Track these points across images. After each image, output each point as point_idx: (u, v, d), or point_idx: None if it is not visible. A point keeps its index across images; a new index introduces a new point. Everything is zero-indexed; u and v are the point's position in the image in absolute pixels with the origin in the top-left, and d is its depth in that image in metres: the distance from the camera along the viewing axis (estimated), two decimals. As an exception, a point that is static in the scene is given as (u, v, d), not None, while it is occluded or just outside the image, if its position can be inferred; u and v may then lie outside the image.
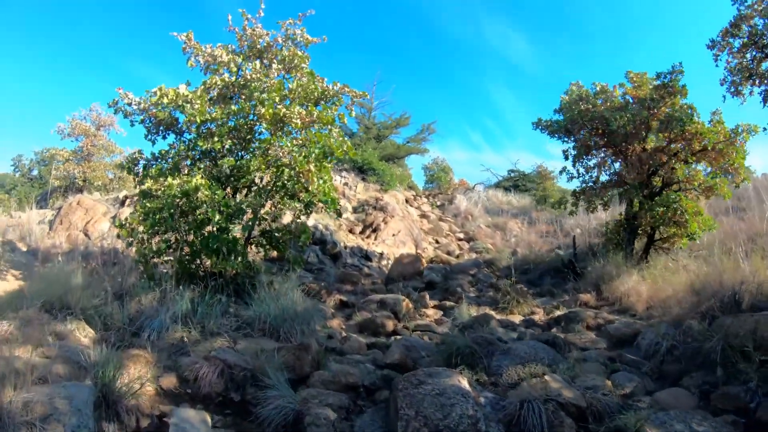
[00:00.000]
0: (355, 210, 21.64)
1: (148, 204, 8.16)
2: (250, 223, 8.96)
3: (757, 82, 10.65)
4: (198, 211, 8.28)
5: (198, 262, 8.56)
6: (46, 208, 19.39)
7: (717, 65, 11.05)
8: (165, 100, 8.67)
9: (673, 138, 12.10)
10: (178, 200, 8.12)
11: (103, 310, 6.91)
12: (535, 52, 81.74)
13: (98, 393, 4.52)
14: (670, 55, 77.78)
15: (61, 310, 6.66)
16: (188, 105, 8.62)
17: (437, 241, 21.56)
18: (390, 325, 9.37)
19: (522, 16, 77.73)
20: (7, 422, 3.77)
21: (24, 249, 13.95)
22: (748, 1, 10.25)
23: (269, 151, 8.67)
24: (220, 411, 5.37)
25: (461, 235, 23.08)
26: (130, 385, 4.88)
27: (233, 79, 9.29)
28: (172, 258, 8.55)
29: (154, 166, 8.98)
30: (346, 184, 23.79)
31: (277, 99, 8.63)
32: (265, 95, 8.57)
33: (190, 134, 9.30)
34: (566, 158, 14.09)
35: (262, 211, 9.21)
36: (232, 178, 9.19)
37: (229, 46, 9.82)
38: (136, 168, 9.32)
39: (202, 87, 9.16)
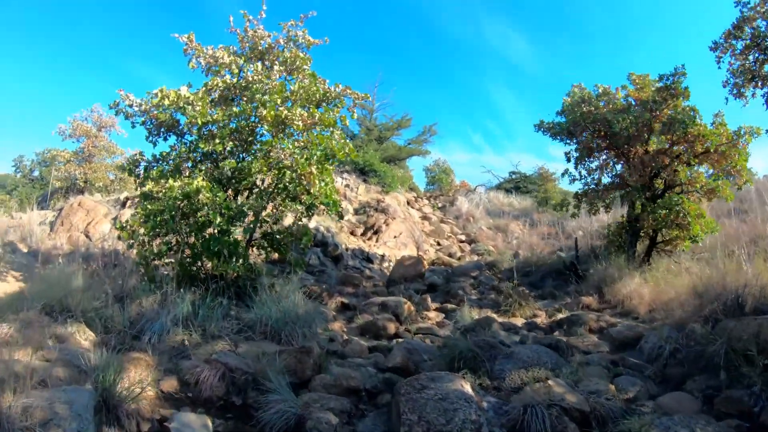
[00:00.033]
0: (356, 212, 21.63)
1: (149, 206, 8.14)
2: (252, 225, 8.93)
3: (759, 84, 10.62)
4: (199, 214, 8.25)
5: (199, 264, 8.53)
6: (47, 209, 19.36)
7: (719, 67, 11.03)
8: (166, 102, 8.65)
9: (675, 140, 12.07)
10: (179, 202, 8.10)
11: (104, 312, 6.88)
12: (536, 52, 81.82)
13: (99, 397, 4.49)
14: (671, 56, 77.82)
15: (61, 313, 6.63)
16: (189, 107, 8.60)
17: (439, 243, 21.54)
18: (392, 327, 9.34)
19: (522, 16, 77.84)
20: (7, 428, 3.74)
21: (25, 250, 13.92)
22: (750, 3, 10.23)
23: (271, 153, 8.65)
24: (222, 415, 5.33)
25: (463, 237, 23.05)
26: (130, 389, 4.84)
27: (235, 80, 9.28)
28: (173, 260, 8.52)
29: (155, 168, 8.97)
30: (347, 185, 23.78)
31: (278, 101, 8.61)
32: (266, 97, 8.55)
33: (191, 136, 9.29)
34: (568, 160, 14.06)
35: (264, 214, 9.18)
36: (233, 180, 9.16)
37: (231, 47, 9.81)
38: (137, 170, 9.31)
39: (204, 89, 9.14)
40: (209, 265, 8.43)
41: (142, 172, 9.26)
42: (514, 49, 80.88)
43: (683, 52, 72.77)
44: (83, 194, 20.13)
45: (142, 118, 9.15)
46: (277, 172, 8.82)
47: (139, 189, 9.17)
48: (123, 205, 17.82)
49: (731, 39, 10.68)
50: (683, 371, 6.26)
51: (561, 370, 6.11)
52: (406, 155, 33.00)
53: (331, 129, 9.16)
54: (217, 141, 8.59)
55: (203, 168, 8.89)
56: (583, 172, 14.06)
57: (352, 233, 19.30)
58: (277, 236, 9.57)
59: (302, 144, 9.00)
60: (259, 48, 9.83)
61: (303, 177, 8.74)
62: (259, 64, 9.43)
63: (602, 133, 13.15)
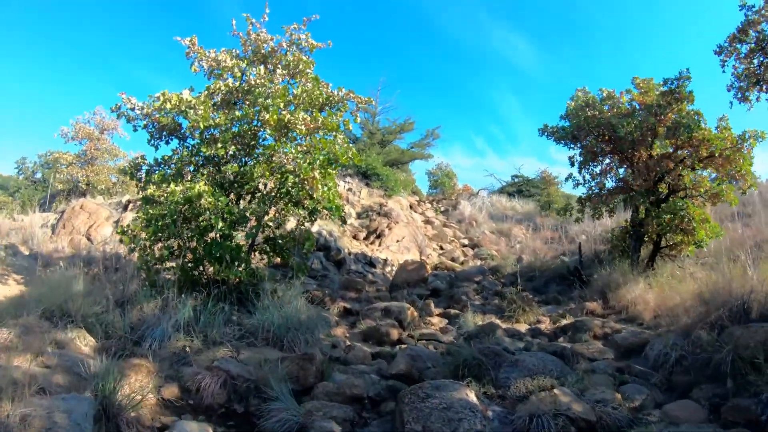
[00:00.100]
0: (359, 216, 21.58)
1: (150, 210, 8.10)
2: (254, 230, 8.87)
3: (764, 87, 10.60)
4: (201, 218, 8.21)
5: (201, 269, 8.49)
6: (49, 211, 19.35)
7: (724, 71, 11.02)
8: (168, 106, 8.61)
9: (680, 144, 12.00)
10: (180, 207, 8.05)
11: (105, 317, 6.82)
12: (540, 56, 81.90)
13: (98, 406, 4.43)
14: (675, 61, 77.73)
15: (61, 318, 6.57)
16: (191, 110, 8.56)
17: (441, 248, 21.47)
18: (395, 333, 9.27)
19: (526, 20, 77.95)
20: (5, 437, 3.69)
21: (26, 253, 13.89)
22: (755, 7, 10.20)
23: (273, 158, 8.61)
24: (223, 423, 5.28)
25: (465, 242, 22.99)
26: (131, 396, 4.79)
27: (237, 84, 9.24)
28: (174, 265, 8.47)
29: (156, 172, 8.94)
30: (350, 189, 23.74)
31: (281, 105, 8.57)
32: (269, 101, 8.51)
33: (193, 140, 9.26)
34: (572, 165, 14.01)
35: (266, 218, 9.12)
36: (235, 185, 9.13)
37: (234, 50, 9.79)
38: (138, 173, 9.28)
39: (206, 92, 9.10)
40: (211, 270, 8.39)
41: (143, 175, 9.23)
42: (518, 53, 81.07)
43: (687, 57, 72.97)
44: (85, 197, 20.13)
45: (144, 122, 9.12)
46: (279, 176, 8.77)
47: (140, 193, 9.11)
48: (125, 208, 17.79)
49: (736, 43, 10.66)
50: (689, 379, 6.19)
51: (566, 378, 6.05)
52: (408, 159, 32.95)
53: (334, 133, 9.11)
54: (220, 145, 8.54)
55: (205, 172, 8.84)
56: (587, 177, 14.01)
57: (355, 237, 19.25)
58: (280, 241, 9.52)
59: (305, 148, 8.96)
60: (262, 51, 9.79)
61: (306, 181, 8.69)
62: (262, 67, 9.39)
63: (606, 138, 13.09)
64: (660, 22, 74.45)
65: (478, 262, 19.08)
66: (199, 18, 76.30)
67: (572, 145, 13.83)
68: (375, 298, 12.78)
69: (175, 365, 6.07)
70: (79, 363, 5.19)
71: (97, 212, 16.73)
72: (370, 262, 17.11)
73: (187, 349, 6.41)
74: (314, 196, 8.94)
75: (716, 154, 11.56)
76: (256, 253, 9.69)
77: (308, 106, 9.21)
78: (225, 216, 8.07)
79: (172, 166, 9.01)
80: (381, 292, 13.66)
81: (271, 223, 9.47)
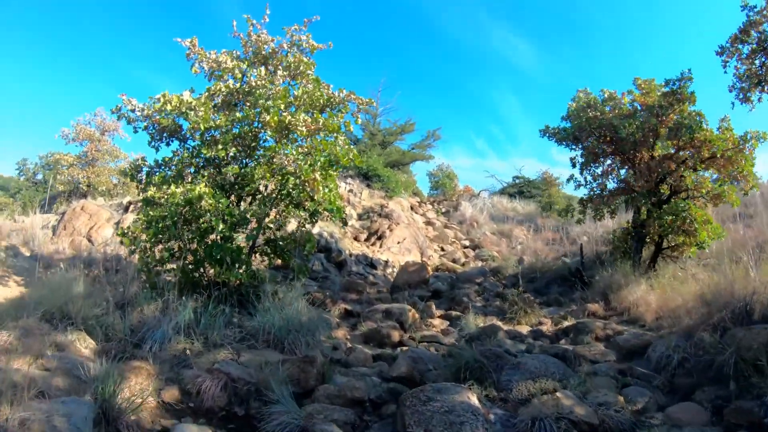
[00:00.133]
0: (360, 217, 21.55)
1: (151, 212, 8.08)
2: (255, 231, 8.86)
3: (766, 88, 10.57)
4: (201, 220, 8.19)
5: (201, 271, 8.47)
6: (50, 212, 19.34)
7: (725, 71, 10.99)
8: (168, 107, 8.60)
9: (681, 145, 11.97)
10: (181, 208, 8.04)
11: (105, 320, 6.80)
12: (540, 58, 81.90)
13: (98, 409, 4.41)
14: (675, 61, 77.73)
15: (61, 320, 6.55)
16: (192, 112, 8.54)
17: (442, 249, 21.45)
18: (396, 335, 9.25)
19: (527, 22, 77.95)
20: (4, 442, 3.67)
21: (27, 254, 13.90)
22: (757, 7, 10.17)
23: (274, 159, 8.59)
24: (224, 426, 5.25)
25: (467, 243, 22.96)
26: (131, 399, 4.77)
27: (238, 85, 9.23)
28: (175, 267, 8.45)
29: (157, 174, 8.93)
30: (350, 190, 23.73)
31: (282, 106, 8.56)
32: (270, 102, 8.49)
33: (194, 141, 9.25)
34: (573, 166, 13.99)
35: (267, 220, 9.11)
36: (236, 186, 9.10)
37: (234, 52, 9.77)
38: (139, 175, 9.27)
39: (206, 94, 9.09)
40: (212, 271, 8.36)
41: (144, 177, 9.21)
42: (519, 55, 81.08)
43: (688, 57, 72.89)
44: (86, 198, 20.12)
45: (145, 123, 9.11)
46: (280, 178, 8.75)
47: (141, 194, 9.09)
48: (126, 209, 17.79)
49: (737, 43, 10.63)
50: (692, 381, 6.17)
51: (569, 381, 6.01)
52: (409, 160, 32.92)
53: (335, 134, 9.09)
54: (220, 146, 8.53)
55: (206, 174, 8.83)
56: (589, 178, 13.99)
57: (356, 239, 19.23)
58: (281, 242, 9.50)
59: (306, 150, 8.94)
60: (263, 52, 9.77)
61: (306, 183, 8.67)
62: (263, 68, 9.38)
63: (608, 139, 13.07)
64: (660, 23, 74.49)
65: (479, 264, 19.05)
66: (199, 19, 76.40)
67: (574, 146, 13.81)
68: (376, 299, 12.75)
69: (175, 368, 6.04)
70: (79, 366, 5.17)
71: (97, 214, 16.72)
72: (371, 264, 17.09)
73: (188, 351, 6.38)
74: (315, 197, 8.91)
75: (718, 155, 11.53)
76: (257, 254, 9.67)
77: (309, 108, 9.19)
78: (226, 218, 8.05)
79: (173, 167, 8.99)
80: (382, 294, 13.63)
81: (271, 225, 9.46)
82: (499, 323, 10.21)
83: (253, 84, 9.01)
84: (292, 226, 10.11)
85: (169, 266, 8.55)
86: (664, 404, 5.85)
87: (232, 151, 8.82)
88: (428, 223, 24.58)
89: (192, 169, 9.09)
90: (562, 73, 77.38)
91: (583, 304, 11.37)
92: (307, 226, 9.52)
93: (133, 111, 8.89)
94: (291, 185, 8.79)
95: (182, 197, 7.93)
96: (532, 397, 5.43)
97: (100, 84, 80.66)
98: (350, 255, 16.83)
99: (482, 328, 9.47)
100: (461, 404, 4.79)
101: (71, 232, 15.84)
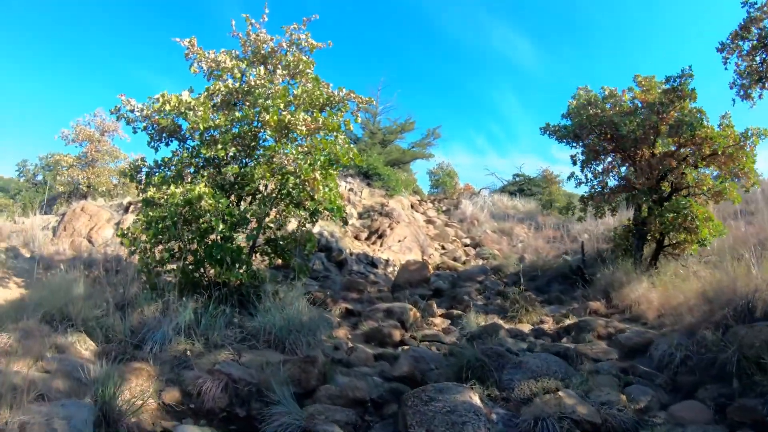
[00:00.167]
0: (360, 216, 21.53)
1: (150, 213, 8.06)
2: (255, 231, 8.83)
3: (766, 84, 10.55)
4: (201, 220, 8.16)
5: (201, 271, 8.44)
6: (51, 213, 19.33)
7: (726, 68, 10.98)
8: (167, 107, 8.57)
9: (682, 142, 11.94)
10: (181, 209, 8.01)
11: (105, 321, 6.78)
12: (540, 56, 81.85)
13: (98, 411, 4.39)
14: (675, 60, 77.69)
15: (62, 322, 6.53)
16: (191, 112, 8.51)
17: (443, 247, 21.41)
18: (397, 335, 9.23)
19: (526, 20, 77.87)
20: (3, 446, 3.65)
21: (27, 255, 13.88)
22: (757, 4, 10.15)
23: (274, 159, 8.56)
24: (225, 427, 5.23)
25: (467, 241, 22.92)
26: (131, 401, 4.75)
27: (237, 85, 9.19)
28: (175, 267, 8.43)
29: (156, 174, 8.90)
30: (351, 189, 23.70)
31: (281, 105, 8.53)
32: (269, 101, 8.46)
33: (193, 141, 9.22)
34: (574, 163, 13.95)
35: (267, 220, 9.08)
36: (236, 186, 9.07)
37: (233, 51, 9.74)
38: (138, 175, 9.24)
39: (206, 93, 9.06)
40: (212, 272, 8.34)
41: (143, 177, 9.18)
42: (518, 52, 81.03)
43: (688, 56, 72.88)
44: (86, 199, 20.11)
45: (144, 123, 9.08)
46: (280, 177, 8.71)
47: (140, 195, 9.07)
48: (126, 210, 17.77)
49: (738, 40, 10.62)
50: (695, 379, 6.16)
51: (571, 380, 5.99)
52: (409, 158, 32.93)
53: (335, 134, 9.05)
54: (220, 146, 8.50)
55: (205, 173, 8.80)
56: (589, 175, 13.95)
57: (357, 238, 19.21)
58: (281, 242, 9.47)
59: (306, 149, 8.91)
60: (262, 52, 9.74)
61: (307, 183, 8.64)
62: (262, 68, 9.35)
63: (608, 136, 13.03)
64: (661, 21, 74.38)
65: (480, 262, 19.02)
66: (198, 19, 76.40)
67: (574, 144, 13.77)
68: (377, 298, 12.72)
69: (176, 369, 6.01)
70: (79, 368, 5.15)
71: (98, 214, 16.70)
72: (372, 263, 17.07)
73: (188, 352, 6.35)
74: (315, 197, 8.89)
75: (719, 152, 11.49)
76: (257, 254, 9.65)
77: (309, 107, 9.16)
78: (225, 218, 8.02)
79: (172, 167, 8.95)
80: (383, 293, 13.60)
81: (272, 225, 9.43)
82: (501, 322, 10.20)
83: (253, 83, 8.98)
84: (292, 225, 10.08)
85: (169, 267, 8.53)
86: (667, 403, 5.84)
87: (231, 151, 8.79)
88: (429, 221, 24.55)
89: (192, 169, 9.06)
90: (562, 72, 77.36)
91: (584, 302, 11.34)
92: (308, 225, 9.50)
93: (132, 111, 8.86)
94: (291, 185, 8.75)
95: (182, 197, 7.90)
96: (535, 396, 5.41)
97: (100, 85, 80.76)
98: (351, 254, 16.80)
99: (483, 326, 9.44)
100: (463, 404, 4.77)
101: (71, 233, 15.82)
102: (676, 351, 6.67)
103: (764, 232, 12.76)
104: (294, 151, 8.62)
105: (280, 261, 9.97)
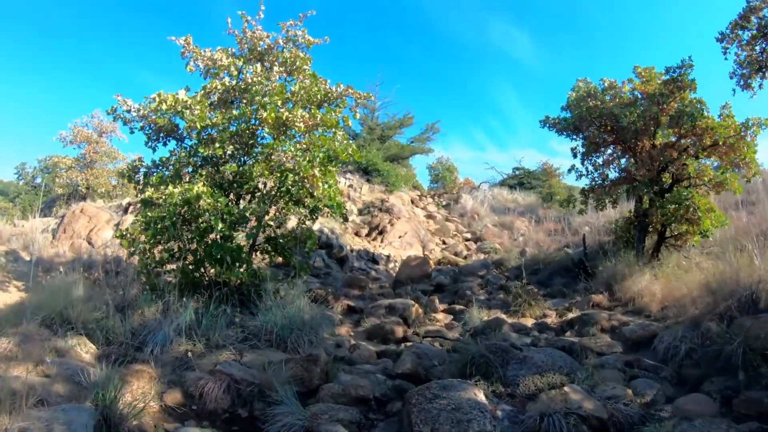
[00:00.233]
0: (360, 212, 21.50)
1: (149, 213, 8.02)
2: (255, 230, 8.77)
3: (767, 74, 10.49)
4: (201, 219, 8.12)
5: (202, 271, 8.39)
6: (50, 216, 19.31)
7: (726, 58, 10.92)
8: (164, 106, 8.52)
9: (683, 133, 11.88)
10: (179, 208, 7.96)
11: (105, 323, 6.73)
12: (539, 51, 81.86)
13: (99, 416, 4.33)
14: (675, 55, 77.47)
15: (61, 325, 6.47)
16: (188, 111, 8.46)
17: (444, 242, 21.40)
18: (399, 331, 9.18)
19: (525, 15, 77.82)
20: (3, 453, 3.61)
21: (27, 258, 13.86)
22: (757, -8, 10.09)
23: (272, 156, 8.51)
24: (227, 428, 5.19)
25: (468, 235, 22.90)
26: (132, 404, 4.70)
27: (234, 83, 9.14)
28: (175, 268, 8.38)
29: (154, 174, 8.85)
30: (350, 185, 23.66)
31: (279, 102, 8.47)
32: (266, 99, 8.41)
33: (190, 140, 9.16)
34: (575, 156, 13.90)
35: (267, 218, 9.02)
36: (234, 185, 9.03)
37: (229, 49, 9.68)
38: (136, 176, 9.18)
39: (202, 92, 9.01)
40: (212, 271, 8.29)
41: (141, 178, 9.13)
42: (518, 48, 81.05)
43: (688, 51, 72.45)
44: (85, 200, 20.09)
45: (141, 123, 9.01)
46: (279, 175, 8.67)
47: (139, 196, 9.03)
48: (125, 210, 17.75)
49: (738, 29, 10.57)
50: (700, 372, 6.10)
51: (576, 375, 5.94)
52: (409, 154, 32.85)
53: (334, 130, 9.00)
54: (217, 145, 8.44)
55: (204, 173, 8.73)
56: (590, 168, 13.90)
57: (357, 234, 19.17)
58: (281, 240, 9.42)
59: (304, 146, 8.86)
60: (258, 49, 9.69)
61: (306, 180, 8.60)
62: (259, 65, 9.29)
63: (608, 128, 12.98)
64: (660, 15, 74.31)
65: (482, 256, 18.99)
66: (195, 18, 76.40)
67: (574, 136, 13.71)
68: (379, 295, 12.69)
69: (177, 370, 5.96)
70: (80, 371, 5.10)
71: (97, 216, 16.68)
72: (373, 259, 17.04)
73: (190, 353, 6.30)
74: (315, 194, 8.85)
75: (720, 143, 11.43)
76: (258, 253, 9.60)
77: (306, 103, 9.11)
78: (225, 217, 7.98)
79: (170, 167, 8.89)
80: (384, 289, 13.57)
81: (271, 223, 9.37)
82: (504, 316, 10.15)
83: (249, 81, 8.93)
84: (292, 223, 10.04)
85: (169, 267, 8.48)
86: (673, 396, 5.78)
87: (229, 149, 8.73)
88: (429, 216, 24.53)
89: (190, 169, 9.01)
90: (562, 67, 77.54)
91: (587, 295, 11.30)
92: (308, 222, 9.46)
93: (128, 111, 8.80)
94: (290, 182, 8.70)
95: (180, 197, 7.85)
96: (540, 392, 5.37)
97: (98, 86, 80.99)
98: (351, 250, 16.77)
99: (486, 321, 9.39)
100: (468, 401, 4.72)
101: (71, 235, 15.81)
102: (680, 343, 6.62)
103: (766, 222, 12.72)
104: (292, 148, 8.56)
105: (280, 259, 9.92)
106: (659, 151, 12.15)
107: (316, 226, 13.93)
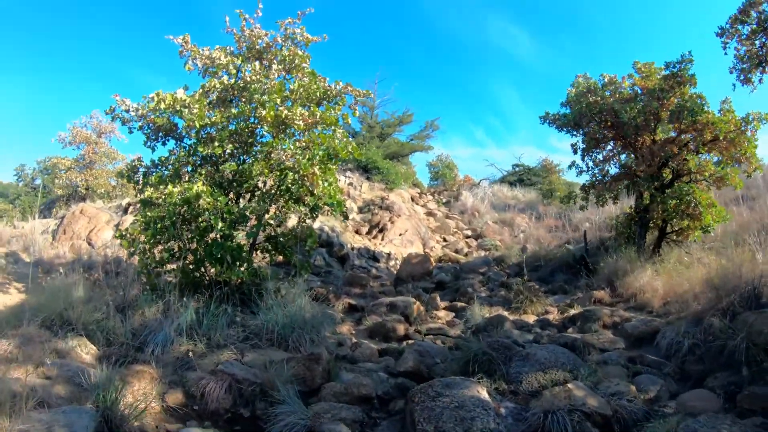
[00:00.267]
0: (360, 210, 21.47)
1: (148, 213, 8.00)
2: (255, 229, 8.75)
3: (766, 69, 10.45)
4: (200, 219, 8.10)
5: (202, 270, 8.38)
6: (50, 217, 19.29)
7: (726, 53, 10.88)
8: (162, 106, 8.49)
9: (683, 129, 11.83)
10: (179, 208, 7.94)
11: (106, 324, 6.72)
12: (539, 48, 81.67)
13: (100, 417, 4.31)
14: (675, 52, 77.52)
15: (62, 326, 6.46)
16: (186, 110, 8.43)
17: (445, 240, 21.36)
18: (401, 329, 9.16)
19: (525, 13, 77.59)
20: (3, 457, 3.58)
21: (27, 260, 13.83)
22: (756, -13, 10.05)
23: (272, 155, 8.49)
24: (229, 428, 5.18)
25: (469, 233, 22.86)
26: (133, 405, 4.69)
27: (232, 81, 9.11)
28: (175, 267, 8.36)
29: (154, 174, 8.82)
30: (350, 184, 23.62)
31: (278, 100, 8.44)
32: (265, 97, 8.38)
33: (189, 140, 9.14)
34: (575, 152, 13.83)
35: (267, 216, 9.00)
36: (234, 184, 9.01)
37: (228, 47, 9.66)
38: (135, 176, 9.15)
39: (201, 91, 8.97)
40: (212, 271, 8.28)
41: (141, 178, 9.10)
42: (517, 46, 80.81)
43: (688, 48, 72.40)
44: (85, 201, 20.06)
45: (140, 123, 8.98)
46: (279, 173, 8.64)
47: (138, 196, 9.00)
48: (125, 211, 17.73)
49: (737, 24, 10.52)
50: (703, 367, 6.10)
51: (579, 371, 5.91)
52: (408, 151, 32.80)
53: (333, 128, 8.98)
54: (217, 144, 8.41)
55: (203, 172, 8.70)
56: (590, 164, 13.85)
57: (357, 232, 19.14)
58: (281, 239, 9.41)
59: (304, 144, 8.84)
60: (257, 47, 9.66)
61: (306, 178, 8.57)
62: (257, 63, 9.25)
63: (609, 124, 12.93)
64: (660, 12, 74.18)
65: (482, 253, 18.94)
66: (193, 18, 76.12)
67: (574, 132, 13.65)
68: (380, 293, 12.66)
69: (178, 370, 5.95)
70: (80, 373, 5.08)
71: (97, 216, 16.66)
72: (374, 257, 17.00)
73: (191, 353, 6.28)
74: (315, 192, 8.83)
75: (720, 138, 11.38)
76: (258, 252, 9.58)
77: (305, 101, 9.08)
78: (225, 216, 7.95)
79: (169, 167, 8.87)
80: (386, 287, 13.53)
81: (271, 222, 9.35)
82: (505, 313, 10.12)
83: (248, 79, 8.89)
84: (292, 221, 10.02)
85: (169, 267, 8.47)
86: (676, 392, 5.78)
87: (228, 148, 8.70)
88: (429, 214, 24.49)
89: (189, 168, 8.99)
90: (561, 64, 77.21)
91: (588, 292, 11.25)
92: (308, 221, 9.44)
93: (127, 111, 8.77)
94: (290, 180, 8.67)
95: (180, 197, 7.83)
96: (543, 389, 5.33)
97: (97, 87, 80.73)
98: (352, 249, 16.74)
99: (488, 318, 9.37)
100: (471, 399, 4.70)
101: (71, 236, 15.78)
102: (683, 339, 6.61)
103: (767, 217, 12.68)
104: (292, 147, 8.54)
105: (281, 258, 9.90)
106: (660, 147, 12.10)
107: (316, 225, 13.91)
